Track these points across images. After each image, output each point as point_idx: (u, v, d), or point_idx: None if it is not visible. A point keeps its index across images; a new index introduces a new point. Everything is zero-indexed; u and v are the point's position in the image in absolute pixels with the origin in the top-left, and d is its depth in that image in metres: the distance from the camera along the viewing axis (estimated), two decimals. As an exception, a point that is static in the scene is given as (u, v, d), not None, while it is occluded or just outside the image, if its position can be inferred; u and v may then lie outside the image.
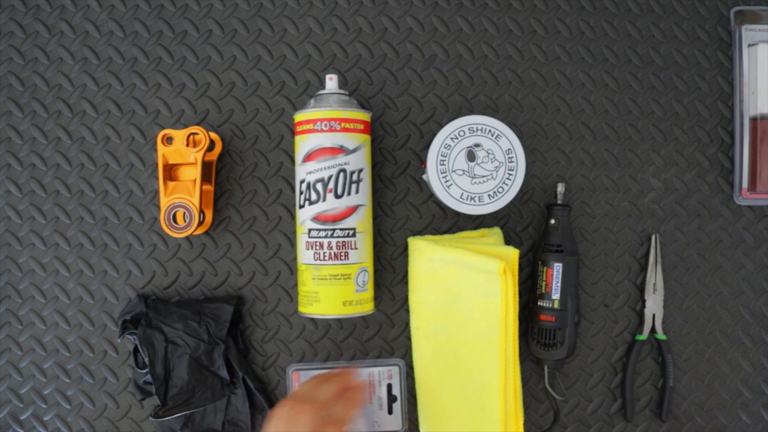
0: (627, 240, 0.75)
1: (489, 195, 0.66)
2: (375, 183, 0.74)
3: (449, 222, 0.74)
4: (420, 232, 0.74)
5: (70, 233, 0.74)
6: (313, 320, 0.74)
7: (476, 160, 0.66)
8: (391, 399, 0.73)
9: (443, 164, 0.66)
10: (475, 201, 0.66)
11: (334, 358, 0.74)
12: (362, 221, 0.67)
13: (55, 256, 0.74)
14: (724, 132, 0.75)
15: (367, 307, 0.68)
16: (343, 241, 0.66)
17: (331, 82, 0.68)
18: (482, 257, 0.67)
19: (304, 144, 0.67)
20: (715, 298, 0.75)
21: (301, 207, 0.68)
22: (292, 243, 0.74)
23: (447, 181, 0.66)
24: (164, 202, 0.69)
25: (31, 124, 0.74)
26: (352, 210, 0.67)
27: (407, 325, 0.74)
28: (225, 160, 0.74)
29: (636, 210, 0.75)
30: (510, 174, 0.66)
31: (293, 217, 0.74)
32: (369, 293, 0.69)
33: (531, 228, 0.74)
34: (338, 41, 0.75)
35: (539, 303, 0.70)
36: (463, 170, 0.66)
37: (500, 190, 0.66)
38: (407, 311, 0.74)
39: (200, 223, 0.70)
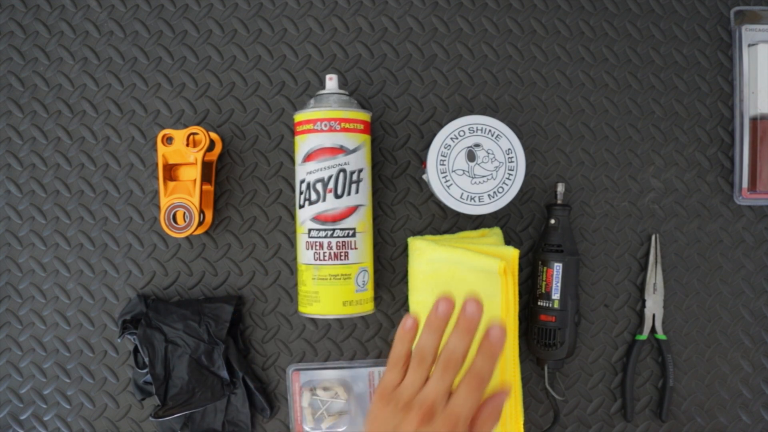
0: (627, 240, 0.75)
1: (489, 195, 0.66)
2: (375, 183, 0.74)
3: (449, 222, 0.74)
4: (420, 232, 0.74)
5: (70, 233, 0.74)
6: (313, 320, 0.74)
7: (476, 160, 0.66)
8: (391, 399, 0.73)
9: (443, 164, 0.66)
10: (475, 201, 0.66)
11: (334, 358, 0.74)
12: (362, 221, 0.67)
13: (55, 256, 0.74)
14: (724, 132, 0.75)
15: (367, 307, 0.68)
16: (343, 241, 0.66)
17: (331, 82, 0.68)
18: (482, 257, 0.67)
19: (304, 144, 0.67)
20: (715, 298, 0.75)
21: (301, 207, 0.68)
22: (292, 243, 0.74)
23: (447, 181, 0.66)
24: (164, 202, 0.69)
25: (31, 124, 0.74)
26: (352, 210, 0.67)
27: (407, 325, 0.74)
28: (225, 160, 0.74)
29: (636, 210, 0.75)
30: (510, 174, 0.66)
31: (293, 217, 0.74)
32: (369, 293, 0.69)
33: (531, 228, 0.74)
34: (338, 41, 0.75)
35: (539, 303, 0.70)
36: (463, 170, 0.66)
37: (500, 190, 0.66)
38: (407, 311, 0.74)
39: (200, 223, 0.70)
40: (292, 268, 0.74)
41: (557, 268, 0.70)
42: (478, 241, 0.71)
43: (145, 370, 0.70)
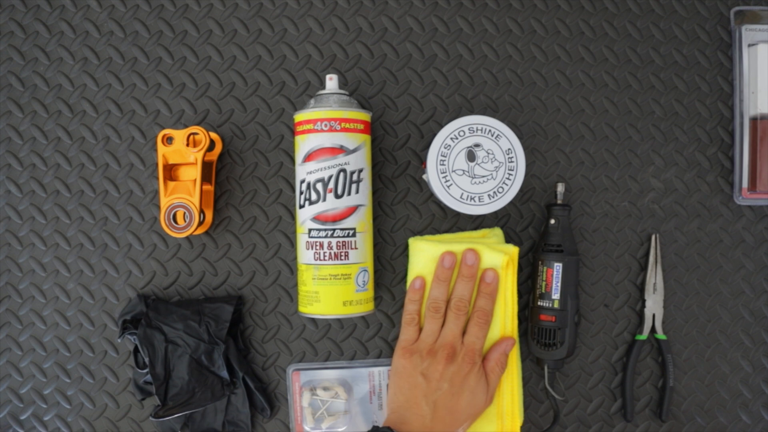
0: (627, 240, 0.75)
1: (489, 195, 0.66)
2: (375, 183, 0.74)
3: (449, 222, 0.74)
4: (420, 232, 0.74)
5: (70, 233, 0.74)
6: (313, 320, 0.74)
7: (476, 160, 0.66)
8: (391, 399, 0.73)
9: (443, 164, 0.66)
10: (475, 201, 0.66)
11: (334, 358, 0.74)
12: (362, 221, 0.67)
13: (55, 256, 0.74)
14: (724, 132, 0.75)
15: (367, 307, 0.68)
16: (343, 241, 0.66)
17: (332, 82, 0.68)
18: (486, 252, 0.68)
19: (304, 144, 0.67)
20: (715, 298, 0.75)
21: (301, 207, 0.68)
22: (292, 243, 0.74)
23: (447, 181, 0.66)
24: (164, 202, 0.69)
25: (31, 124, 0.74)
26: (352, 210, 0.67)
27: (407, 325, 0.74)
28: (225, 160, 0.74)
29: (636, 210, 0.75)
30: (510, 174, 0.66)
31: (293, 217, 0.74)
32: (369, 293, 0.69)
33: (531, 228, 0.74)
34: (338, 41, 0.75)
35: (539, 303, 0.70)
36: (463, 170, 0.66)
37: (500, 190, 0.66)
38: (407, 311, 0.74)
39: (200, 223, 0.70)
40: (292, 268, 0.74)
41: (557, 268, 0.70)
42: (479, 241, 0.71)
43: (145, 370, 0.70)
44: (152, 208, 0.74)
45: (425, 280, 0.69)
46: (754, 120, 0.73)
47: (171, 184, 0.71)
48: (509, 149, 0.66)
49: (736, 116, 0.75)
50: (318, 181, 0.66)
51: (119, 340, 0.73)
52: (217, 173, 0.74)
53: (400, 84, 0.75)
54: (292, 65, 0.75)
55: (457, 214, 0.74)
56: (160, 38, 0.75)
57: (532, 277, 0.73)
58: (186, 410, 0.67)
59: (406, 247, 0.74)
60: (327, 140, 0.66)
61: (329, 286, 0.66)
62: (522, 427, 0.73)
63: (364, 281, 0.68)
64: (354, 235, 0.67)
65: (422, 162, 0.73)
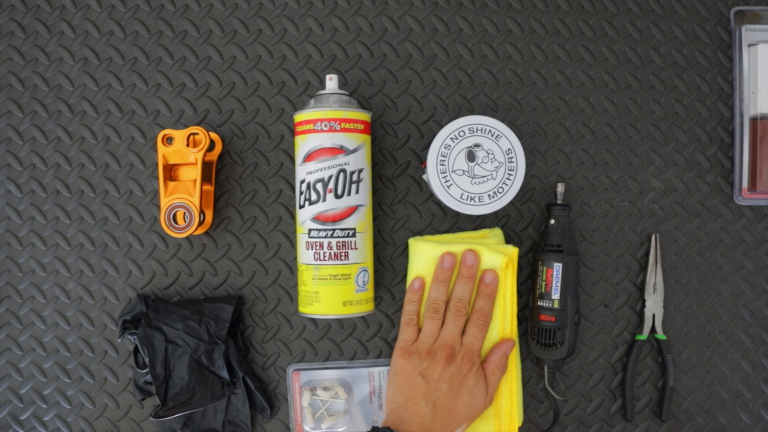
0: (627, 240, 0.75)
1: (489, 195, 0.66)
2: (375, 183, 0.74)
3: (449, 222, 0.74)
4: (420, 232, 0.74)
5: (70, 233, 0.74)
6: (313, 320, 0.74)
7: (476, 160, 0.66)
8: (391, 399, 0.73)
9: (443, 164, 0.66)
10: (475, 201, 0.66)
11: (334, 358, 0.74)
12: (362, 221, 0.67)
13: (55, 256, 0.74)
14: (724, 132, 0.75)
15: (367, 307, 0.68)
16: (343, 241, 0.66)
17: (332, 82, 0.68)
18: (486, 253, 0.68)
19: (304, 144, 0.67)
20: (715, 298, 0.75)
21: (301, 207, 0.68)
22: (292, 243, 0.74)
23: (447, 181, 0.66)
24: (164, 202, 0.69)
25: (31, 124, 0.74)
26: (352, 210, 0.67)
27: (407, 325, 0.74)
28: (225, 160, 0.74)
29: (636, 210, 0.75)
30: (510, 174, 0.66)
31: (293, 217, 0.74)
32: (369, 293, 0.69)
33: (531, 228, 0.74)
34: (338, 41, 0.75)
35: (539, 303, 0.70)
36: (463, 170, 0.66)
37: (500, 190, 0.66)
38: (407, 311, 0.74)
39: (200, 223, 0.70)
40: (292, 268, 0.74)
41: (557, 268, 0.70)
42: (479, 242, 0.71)
43: (145, 370, 0.70)
44: (152, 208, 0.74)
45: (425, 281, 0.70)
46: (754, 120, 0.73)
47: (171, 184, 0.71)
48: (509, 149, 0.66)
49: (736, 116, 0.75)
50: (318, 181, 0.66)
51: (119, 340, 0.73)
52: (217, 173, 0.74)
53: (400, 84, 0.75)
54: (292, 65, 0.75)
55: (457, 214, 0.74)
56: (160, 38, 0.75)
57: (532, 277, 0.73)
58: (186, 410, 0.67)
59: (406, 247, 0.74)
60: (327, 140, 0.66)
61: (329, 286, 0.66)
62: (522, 427, 0.73)
63: (364, 281, 0.68)
64: (354, 235, 0.67)
65: (422, 162, 0.73)
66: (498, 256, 0.68)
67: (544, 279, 0.70)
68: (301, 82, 0.75)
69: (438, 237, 0.72)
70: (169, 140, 0.70)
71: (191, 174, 0.71)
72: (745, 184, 0.74)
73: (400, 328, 0.69)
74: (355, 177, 0.67)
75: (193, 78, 0.75)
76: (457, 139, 0.66)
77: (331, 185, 0.66)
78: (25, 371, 0.74)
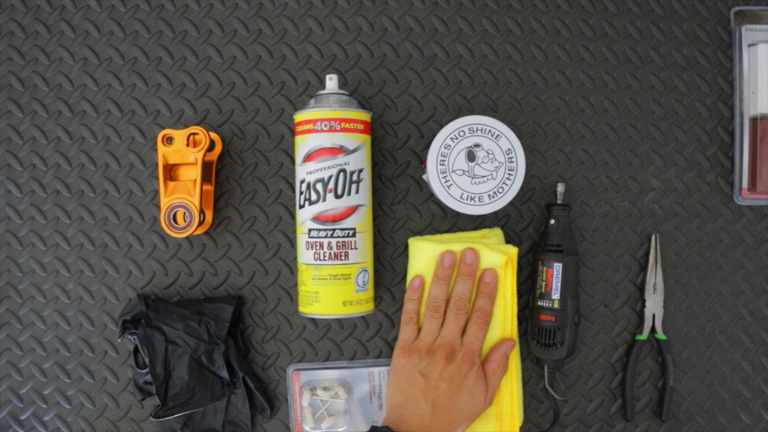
0: (627, 240, 0.75)
1: (489, 195, 0.66)
2: (375, 183, 0.74)
3: (449, 222, 0.74)
4: (420, 232, 0.74)
5: (70, 233, 0.74)
6: (313, 320, 0.74)
7: (476, 160, 0.66)
8: (391, 399, 0.73)
9: (443, 164, 0.66)
10: (475, 201, 0.66)
11: (334, 358, 0.74)
12: (362, 221, 0.67)
13: (55, 256, 0.74)
14: (724, 132, 0.75)
15: (367, 307, 0.68)
16: (343, 241, 0.66)
17: (332, 82, 0.68)
18: (485, 252, 0.68)
19: (304, 144, 0.67)
20: (715, 298, 0.75)
21: (301, 207, 0.68)
22: (292, 243, 0.74)
23: (447, 181, 0.66)
24: (164, 202, 0.69)
25: (31, 124, 0.74)
26: (352, 210, 0.67)
27: (407, 325, 0.74)
28: (225, 160, 0.74)
29: (636, 210, 0.75)
30: (510, 174, 0.66)
31: (293, 217, 0.74)
32: (369, 293, 0.69)
33: (531, 228, 0.74)
34: (338, 41, 0.75)
35: (539, 303, 0.70)
36: (463, 170, 0.66)
37: (500, 190, 0.66)
38: (407, 311, 0.74)
39: (200, 223, 0.70)
40: (292, 268, 0.74)
41: (557, 268, 0.70)
42: (479, 241, 0.71)
43: (145, 370, 0.70)
44: (152, 208, 0.74)
45: (424, 280, 0.70)
46: (754, 120, 0.73)
47: (171, 184, 0.71)
48: (509, 149, 0.66)
49: (736, 116, 0.75)
50: (318, 181, 0.66)
51: (119, 340, 0.73)
52: (217, 173, 0.74)
53: (400, 84, 0.75)
54: (292, 65, 0.75)
55: (457, 214, 0.74)
56: (160, 38, 0.75)
57: (532, 277, 0.73)
58: (186, 410, 0.67)
59: (406, 247, 0.74)
60: (327, 140, 0.66)
61: (329, 286, 0.66)
62: (522, 427, 0.73)
63: (364, 281, 0.68)
64: (354, 235, 0.67)
65: (422, 162, 0.73)
66: (497, 255, 0.68)
67: (544, 279, 0.70)
68: (301, 82, 0.75)
69: (438, 237, 0.72)
70: (169, 140, 0.70)
71: (191, 174, 0.71)
72: (745, 184, 0.74)
73: (400, 326, 0.69)
74: (355, 177, 0.67)
75: (193, 78, 0.75)
76: (457, 139, 0.66)
77: (331, 185, 0.66)
78: (25, 371, 0.74)
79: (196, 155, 0.68)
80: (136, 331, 0.69)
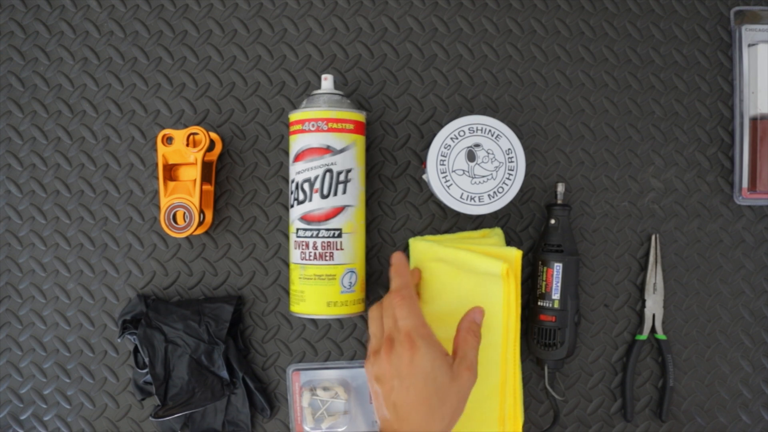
0: (627, 240, 0.75)
1: (489, 195, 0.66)
2: (375, 183, 0.74)
3: (449, 222, 0.74)
4: (420, 232, 0.74)
5: (70, 233, 0.74)
6: (313, 320, 0.74)
7: (476, 160, 0.66)
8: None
9: (443, 164, 0.66)
10: (475, 201, 0.66)
11: (334, 358, 0.74)
12: (350, 222, 0.67)
13: (55, 256, 0.74)
14: (724, 132, 0.75)
15: (354, 309, 0.68)
16: (328, 242, 0.66)
17: (326, 82, 0.68)
18: (485, 259, 0.67)
19: (295, 144, 0.67)
20: (715, 298, 0.75)
21: (291, 206, 0.68)
22: (292, 243, 0.74)
23: (447, 181, 0.66)
24: (164, 202, 0.69)
25: (31, 124, 0.74)
26: (339, 210, 0.66)
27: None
28: (225, 160, 0.74)
29: (636, 210, 0.75)
30: (510, 174, 0.66)
31: (293, 217, 0.74)
32: (357, 295, 0.68)
33: (531, 228, 0.74)
34: (338, 41, 0.75)
35: (539, 303, 0.70)
36: (463, 170, 0.66)
37: (500, 190, 0.66)
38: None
39: (200, 223, 0.70)
40: (292, 268, 0.74)
41: (557, 268, 0.70)
42: (479, 241, 0.71)
43: (145, 370, 0.70)
44: (152, 208, 0.74)
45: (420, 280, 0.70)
46: (754, 120, 0.73)
47: (171, 184, 0.71)
48: (509, 149, 0.66)
49: (736, 116, 0.75)
50: (305, 181, 0.66)
51: (119, 340, 0.73)
52: (217, 173, 0.74)
53: (400, 84, 0.75)
54: (292, 65, 0.75)
55: (457, 214, 0.74)
56: (160, 38, 0.75)
57: (532, 277, 0.73)
58: (186, 410, 0.67)
59: (406, 247, 0.74)
60: (314, 140, 0.66)
61: (314, 286, 0.66)
62: (522, 427, 0.73)
63: (350, 283, 0.67)
64: (340, 236, 0.67)
65: (422, 162, 0.73)
66: (497, 264, 0.66)
67: (544, 279, 0.70)
68: (301, 82, 0.75)
69: (438, 237, 0.72)
70: (169, 140, 0.70)
71: (191, 174, 0.71)
72: (745, 184, 0.74)
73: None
74: (342, 177, 0.66)
75: (193, 78, 0.75)
76: (457, 139, 0.66)
77: (317, 185, 0.66)
78: (25, 371, 0.74)
79: (196, 155, 0.69)
80: (136, 331, 0.69)
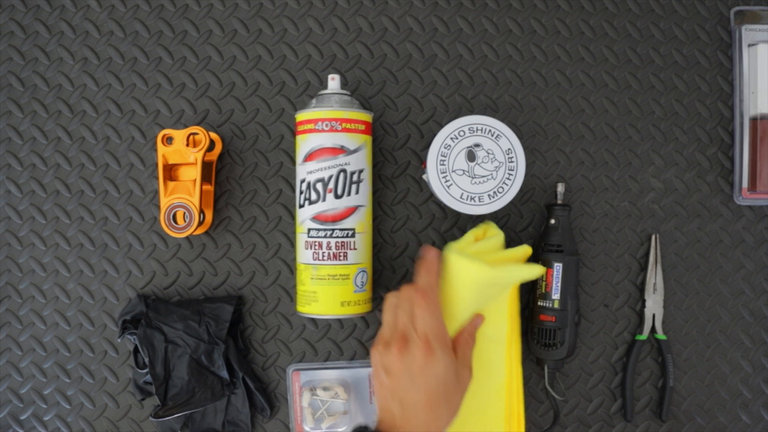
0: (627, 240, 0.75)
1: (489, 195, 0.66)
2: (375, 183, 0.74)
3: (449, 222, 0.74)
4: (420, 232, 0.74)
5: (70, 233, 0.74)
6: (313, 320, 0.74)
7: (476, 160, 0.66)
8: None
9: (443, 164, 0.66)
10: (475, 201, 0.66)
11: (334, 358, 0.74)
12: (362, 222, 0.67)
13: (55, 256, 0.74)
14: (724, 132, 0.75)
15: (365, 308, 0.68)
16: (342, 242, 0.66)
17: (333, 82, 0.68)
18: (524, 268, 0.65)
19: (304, 144, 0.67)
20: (715, 298, 0.75)
21: (301, 206, 0.68)
22: (292, 243, 0.74)
23: (447, 181, 0.66)
24: (164, 202, 0.69)
25: (31, 124, 0.74)
26: (352, 210, 0.67)
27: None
28: (225, 160, 0.74)
29: (636, 210, 0.75)
30: (510, 174, 0.66)
31: (293, 217, 0.74)
32: (367, 294, 0.68)
33: (531, 228, 0.74)
34: (338, 41, 0.75)
35: (539, 303, 0.70)
36: (463, 170, 0.66)
37: (500, 190, 0.66)
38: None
39: (200, 223, 0.70)
40: (292, 268, 0.74)
41: (557, 268, 0.70)
42: (491, 244, 0.68)
43: (145, 370, 0.70)
44: (152, 208, 0.74)
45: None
46: (754, 120, 0.73)
47: (171, 184, 0.71)
48: (509, 149, 0.66)
49: (736, 116, 0.75)
50: (318, 181, 0.66)
51: (119, 340, 0.73)
52: (217, 173, 0.74)
53: (400, 84, 0.75)
54: (292, 65, 0.75)
55: (457, 214, 0.74)
56: (160, 38, 0.75)
57: (532, 277, 0.73)
58: (186, 410, 0.67)
59: (406, 247, 0.74)
60: (328, 140, 0.66)
61: (327, 286, 0.66)
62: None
63: (362, 282, 0.68)
64: (353, 235, 0.67)
65: (422, 162, 0.73)
66: (537, 269, 0.65)
67: (544, 279, 0.70)
68: (301, 82, 0.75)
69: (469, 247, 0.67)
70: (169, 140, 0.70)
71: (191, 174, 0.71)
72: (745, 184, 0.74)
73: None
74: (355, 177, 0.67)
75: (193, 78, 0.75)
76: (457, 139, 0.66)
77: (331, 185, 0.66)
78: (25, 371, 0.74)
79: (196, 155, 0.69)
80: (136, 331, 0.69)
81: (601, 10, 0.76)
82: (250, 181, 0.74)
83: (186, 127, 0.74)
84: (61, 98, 0.74)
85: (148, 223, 0.74)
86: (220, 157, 0.74)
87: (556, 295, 0.70)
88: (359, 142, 0.67)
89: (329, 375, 0.73)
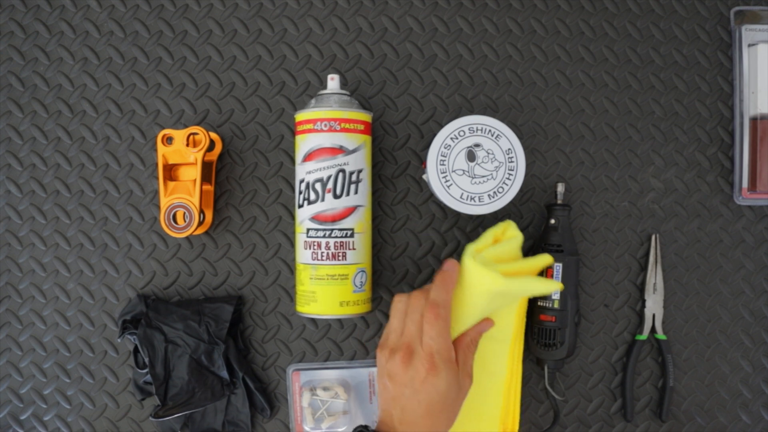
0: (627, 240, 0.75)
1: (489, 195, 0.66)
2: (375, 183, 0.74)
3: (449, 222, 0.74)
4: (420, 232, 0.74)
5: (70, 233, 0.74)
6: (313, 320, 0.74)
7: (476, 160, 0.66)
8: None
9: (443, 164, 0.66)
10: (475, 201, 0.66)
11: (334, 357, 0.74)
12: (361, 222, 0.67)
13: (55, 256, 0.74)
14: (724, 132, 0.75)
15: (364, 308, 0.68)
16: (341, 242, 0.66)
17: (333, 82, 0.68)
18: (539, 282, 0.64)
19: (304, 144, 0.67)
20: (715, 298, 0.74)
21: (300, 206, 0.68)
22: (292, 243, 0.74)
23: (447, 181, 0.66)
24: (164, 202, 0.69)
25: (31, 124, 0.74)
26: (351, 210, 0.67)
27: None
28: (225, 160, 0.74)
29: (636, 210, 0.75)
30: (510, 174, 0.66)
31: (293, 217, 0.74)
32: (366, 294, 0.68)
33: (531, 228, 0.74)
34: (338, 41, 0.75)
35: (539, 303, 0.70)
36: (463, 170, 0.66)
37: (500, 190, 0.66)
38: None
39: (200, 223, 0.70)
40: (291, 268, 0.74)
41: (557, 268, 0.70)
42: (510, 248, 0.67)
43: (145, 370, 0.70)
44: (152, 208, 0.74)
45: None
46: (754, 120, 0.73)
47: (171, 184, 0.71)
48: (509, 149, 0.66)
49: (736, 116, 0.75)
50: (317, 180, 0.66)
51: (119, 340, 0.73)
52: (217, 173, 0.74)
53: (400, 84, 0.75)
54: (292, 65, 0.75)
55: (457, 214, 0.74)
56: (160, 38, 0.75)
57: (532, 277, 0.73)
58: (186, 410, 0.67)
59: (406, 247, 0.74)
60: (327, 140, 0.66)
61: (326, 286, 0.66)
62: (522, 428, 0.73)
63: (361, 282, 0.68)
64: (352, 235, 0.67)
65: (422, 162, 0.73)
66: (555, 283, 0.66)
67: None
68: (301, 82, 0.75)
69: (487, 250, 0.65)
70: (169, 140, 0.70)
71: (191, 174, 0.71)
72: (745, 184, 0.74)
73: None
74: (354, 177, 0.67)
75: (193, 78, 0.75)
76: (457, 139, 0.66)
77: (330, 185, 0.66)
78: (25, 371, 0.74)
79: (196, 155, 0.69)
80: (136, 331, 0.69)
81: (601, 10, 0.76)
82: (250, 181, 0.74)
83: (186, 127, 0.74)
84: (61, 98, 0.74)
85: (148, 223, 0.74)
86: (220, 157, 0.74)
87: (556, 295, 0.70)
88: (358, 142, 0.67)
89: (329, 375, 0.73)
